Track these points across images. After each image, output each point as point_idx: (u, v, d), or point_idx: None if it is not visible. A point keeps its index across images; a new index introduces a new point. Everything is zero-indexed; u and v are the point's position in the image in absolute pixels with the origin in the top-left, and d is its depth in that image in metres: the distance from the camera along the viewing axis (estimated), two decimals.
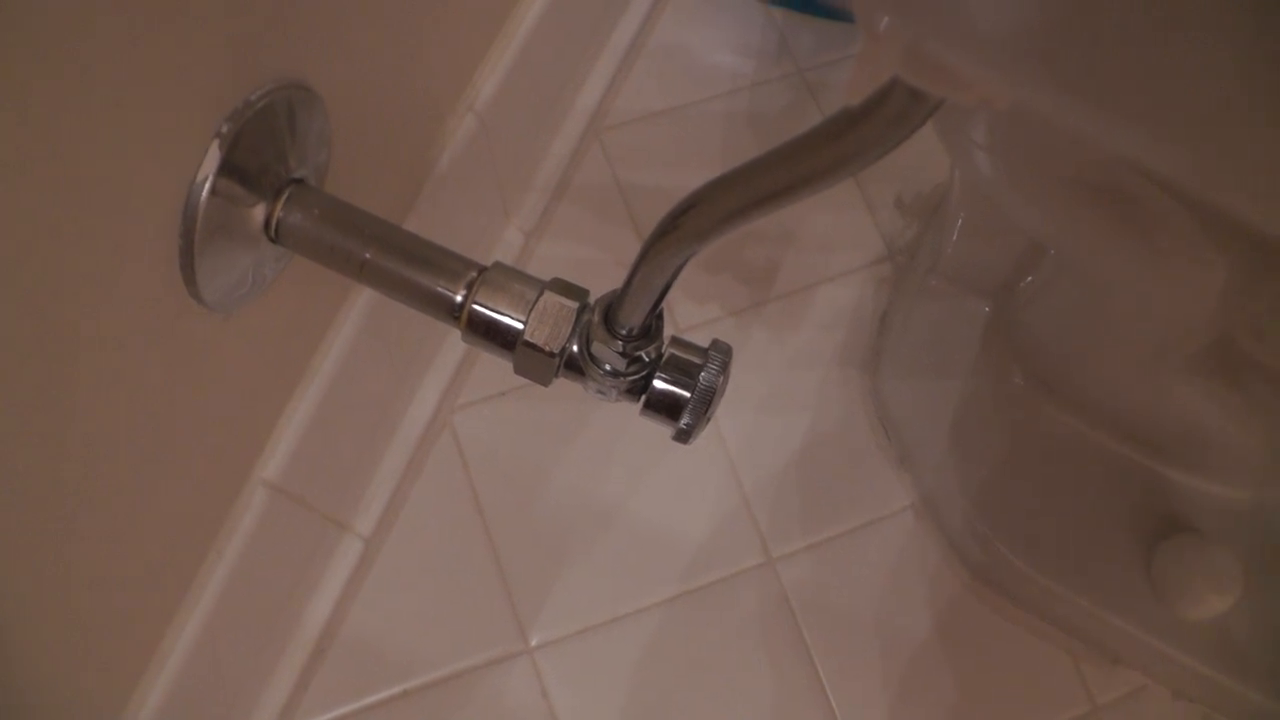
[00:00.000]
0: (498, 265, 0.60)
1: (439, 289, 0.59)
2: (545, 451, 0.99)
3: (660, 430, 0.59)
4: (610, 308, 0.55)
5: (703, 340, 0.59)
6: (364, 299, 0.82)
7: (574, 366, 0.58)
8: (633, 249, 1.01)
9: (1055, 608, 0.93)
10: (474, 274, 0.59)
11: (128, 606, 0.70)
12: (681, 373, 0.57)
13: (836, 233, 1.08)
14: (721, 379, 0.57)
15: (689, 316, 1.03)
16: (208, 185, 0.56)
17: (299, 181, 0.63)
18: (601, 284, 0.60)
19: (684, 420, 0.57)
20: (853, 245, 1.08)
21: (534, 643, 0.94)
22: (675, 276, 0.51)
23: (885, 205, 1.08)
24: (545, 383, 0.59)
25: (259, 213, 0.61)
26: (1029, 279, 0.92)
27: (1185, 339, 0.81)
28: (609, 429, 1.00)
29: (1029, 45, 0.27)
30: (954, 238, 0.94)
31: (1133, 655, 0.93)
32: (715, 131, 1.10)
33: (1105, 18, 0.26)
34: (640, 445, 0.99)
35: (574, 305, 0.57)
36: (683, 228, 0.47)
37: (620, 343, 0.55)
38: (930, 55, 0.29)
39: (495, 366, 0.70)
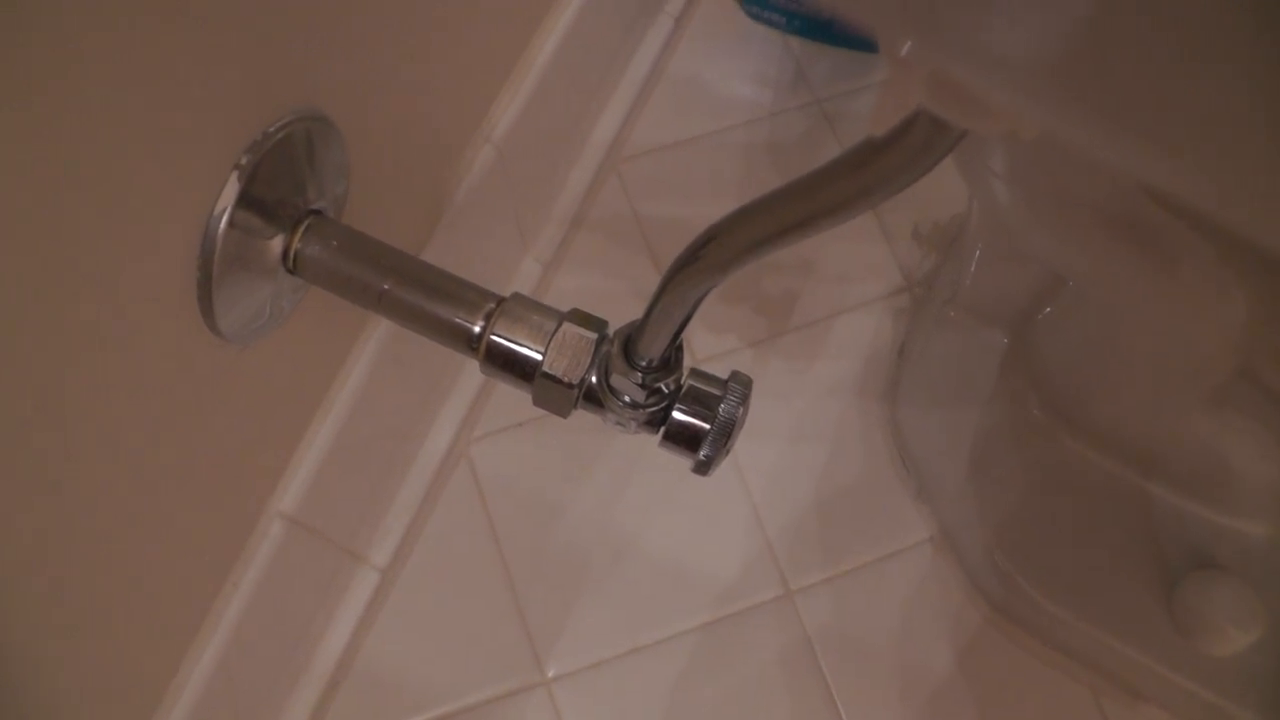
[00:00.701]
0: (516, 296, 0.59)
1: (457, 320, 0.59)
2: (563, 482, 0.99)
3: (678, 461, 0.59)
4: (630, 339, 0.55)
5: (720, 371, 0.59)
6: (381, 330, 0.82)
7: (593, 398, 0.58)
8: (650, 279, 1.02)
9: (1075, 641, 0.93)
10: (492, 305, 0.59)
11: (142, 639, 0.69)
12: (701, 404, 0.57)
13: (854, 263, 1.07)
14: (741, 411, 0.56)
15: (707, 347, 1.03)
16: (226, 217, 0.56)
17: (317, 213, 0.63)
18: (619, 315, 0.59)
19: (703, 452, 0.57)
20: (870, 276, 1.07)
21: (550, 674, 0.93)
22: (695, 308, 0.51)
23: (903, 235, 1.08)
24: (564, 414, 0.59)
25: (277, 244, 0.61)
26: (1047, 310, 0.92)
27: (1206, 371, 0.80)
28: (626, 460, 0.99)
29: (1051, 70, 0.27)
30: (972, 268, 0.94)
31: (1154, 690, 0.92)
32: (733, 162, 1.10)
33: (1125, 47, 0.25)
34: (657, 476, 0.99)
35: (593, 336, 0.57)
36: (704, 259, 0.47)
37: (640, 374, 0.55)
38: (955, 82, 0.28)
39: (512, 397, 0.70)
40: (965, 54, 0.28)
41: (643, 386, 0.55)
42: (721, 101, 1.13)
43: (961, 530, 0.96)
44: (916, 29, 0.28)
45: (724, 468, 0.67)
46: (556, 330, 0.58)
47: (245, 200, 0.57)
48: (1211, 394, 0.83)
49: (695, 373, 0.58)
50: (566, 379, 0.57)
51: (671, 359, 0.55)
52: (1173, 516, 0.91)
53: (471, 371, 0.96)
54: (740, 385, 0.57)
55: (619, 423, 0.58)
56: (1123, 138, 0.27)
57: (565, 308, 0.59)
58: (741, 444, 0.59)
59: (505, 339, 0.58)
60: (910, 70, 0.29)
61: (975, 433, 0.96)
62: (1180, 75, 0.25)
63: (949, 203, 1.06)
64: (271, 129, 0.58)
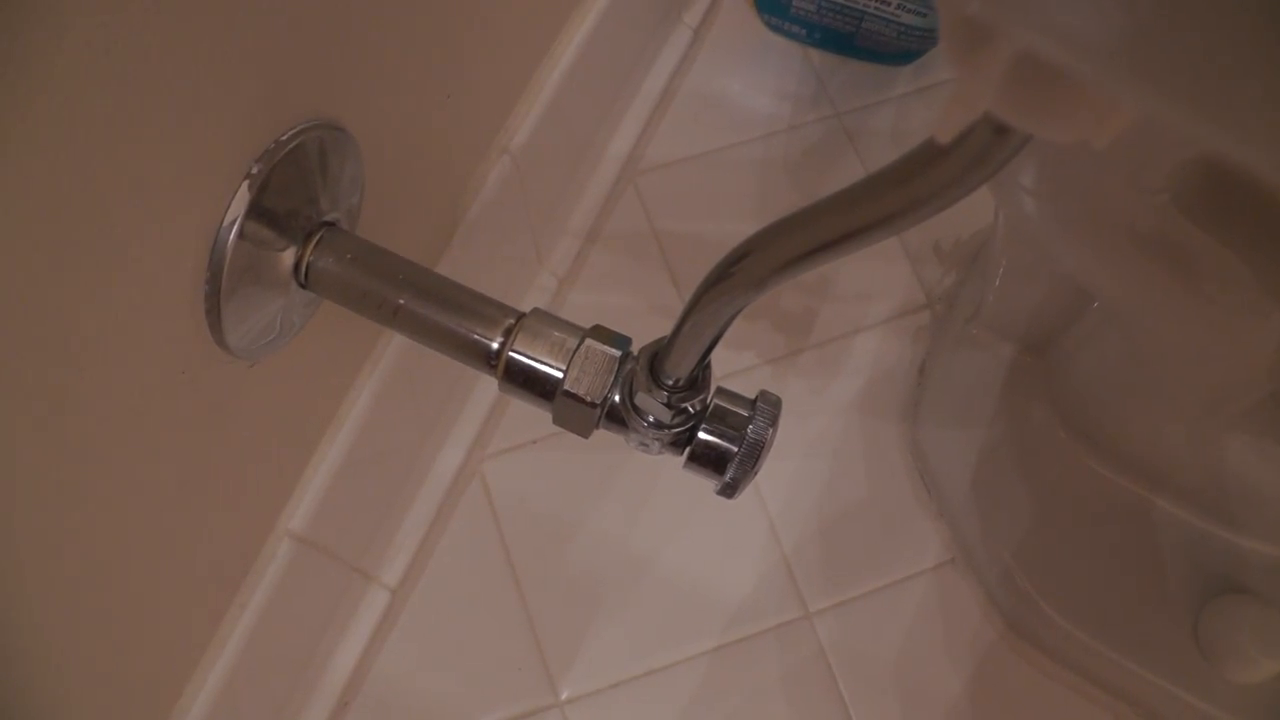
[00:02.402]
0: (536, 312, 0.58)
1: (475, 336, 0.57)
2: (577, 501, 0.97)
3: (696, 481, 0.57)
4: (656, 357, 0.53)
5: (739, 389, 0.57)
6: (394, 345, 0.81)
7: (615, 418, 0.56)
8: (667, 294, 1.01)
9: (1097, 667, 0.91)
10: (512, 321, 0.57)
11: (146, 661, 0.68)
12: (728, 425, 0.55)
13: (874, 280, 1.06)
14: (771, 432, 0.55)
15: (725, 363, 1.02)
16: (236, 228, 0.54)
17: (330, 225, 0.61)
18: (635, 329, 0.58)
19: (730, 474, 0.55)
20: (890, 293, 1.06)
21: (564, 696, 0.92)
22: (727, 326, 0.49)
23: (924, 252, 1.07)
24: (585, 435, 0.57)
25: (288, 257, 0.59)
26: (1072, 329, 0.90)
27: (1236, 394, 0.79)
28: (643, 478, 0.98)
29: (1122, 42, 0.25)
30: (996, 285, 0.92)
31: (1176, 717, 0.91)
32: (751, 175, 1.09)
33: (1207, 18, 0.24)
34: (675, 495, 0.97)
35: (617, 354, 0.55)
36: (738, 275, 0.45)
37: (666, 394, 0.53)
38: (1038, 65, 0.27)
39: (527, 413, 0.68)
40: (1032, 17, 0.26)
41: (669, 406, 0.54)
42: (740, 114, 1.12)
43: (981, 551, 0.95)
44: None
45: None
46: (579, 347, 0.56)
47: (256, 210, 0.55)
48: (1240, 417, 0.82)
49: (722, 391, 0.56)
50: (589, 398, 0.55)
51: (699, 378, 0.54)
52: (1199, 540, 0.90)
53: (484, 387, 0.95)
54: (769, 405, 0.55)
55: (642, 443, 0.56)
56: (1209, 116, 0.26)
57: (582, 323, 0.58)
58: None
59: (525, 356, 0.56)
60: (982, 72, 0.27)
61: (996, 453, 0.95)
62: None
63: (971, 219, 1.05)
64: (284, 137, 0.56)
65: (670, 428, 0.55)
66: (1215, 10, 0.24)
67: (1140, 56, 0.25)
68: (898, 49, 1.11)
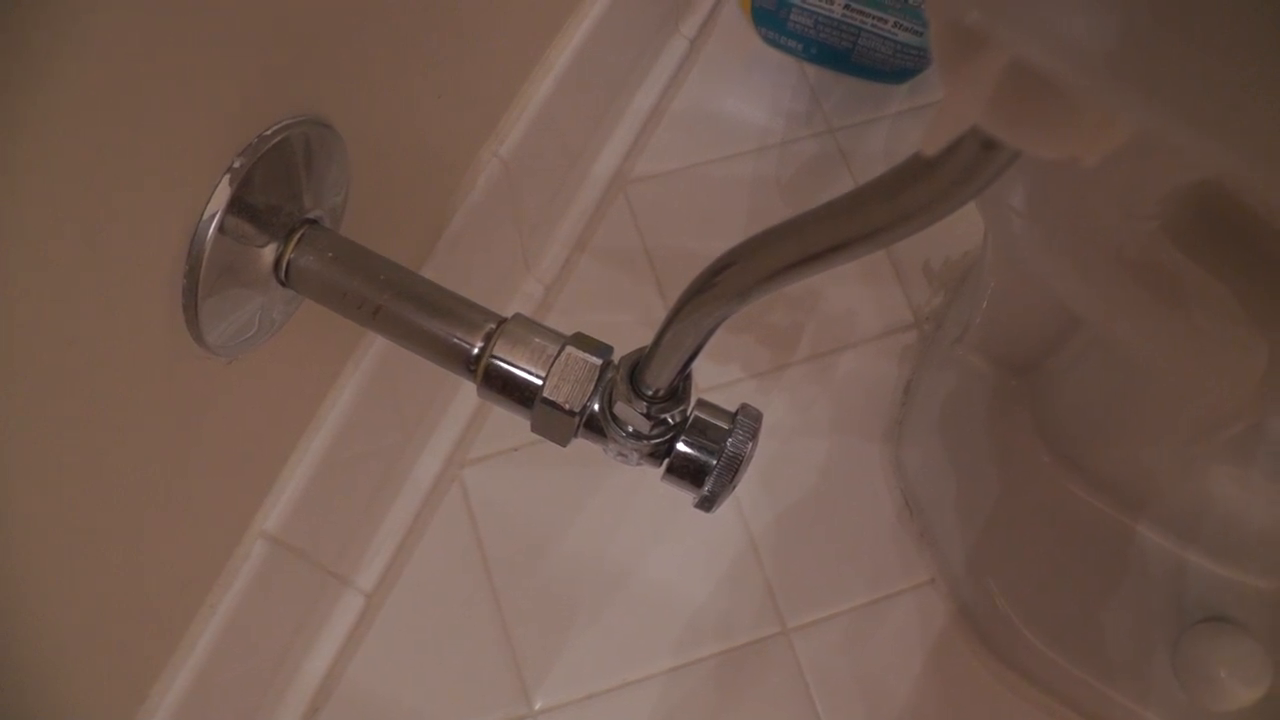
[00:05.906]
0: (518, 317, 0.57)
1: (455, 340, 0.57)
2: (557, 510, 0.97)
3: (676, 493, 0.57)
4: (636, 367, 0.53)
5: (722, 402, 0.56)
6: (375, 346, 0.80)
7: (594, 427, 0.56)
8: (655, 304, 1.00)
9: (1074, 691, 0.91)
10: (493, 326, 0.57)
11: (110, 664, 0.67)
12: (707, 438, 0.54)
13: (862, 298, 1.06)
14: (750, 446, 0.54)
15: (709, 377, 1.01)
16: (216, 222, 0.54)
17: (313, 222, 0.61)
18: (620, 339, 0.58)
19: (708, 487, 0.55)
20: (878, 311, 1.06)
21: (538, 706, 0.91)
22: (708, 337, 0.49)
23: (913, 271, 1.07)
24: (563, 443, 0.57)
25: (269, 254, 0.59)
26: (1059, 354, 0.90)
27: (1221, 423, 0.79)
28: (623, 489, 0.97)
29: (1123, 53, 0.25)
30: (983, 306, 0.92)
31: None
32: (742, 189, 1.09)
33: (1207, 30, 0.24)
34: (654, 507, 0.97)
35: (597, 362, 0.55)
36: (721, 285, 0.45)
37: (645, 404, 0.53)
38: (1029, 77, 0.26)
39: (508, 420, 0.68)
40: (1034, 28, 0.26)
41: (648, 417, 0.53)
42: (734, 128, 1.12)
43: (963, 573, 0.95)
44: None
45: None
46: (559, 354, 0.55)
47: (237, 205, 0.54)
48: (1224, 447, 0.82)
49: (702, 404, 0.56)
50: (568, 406, 0.54)
51: (679, 389, 0.53)
52: (1179, 567, 0.90)
53: (466, 393, 0.94)
54: (749, 419, 0.55)
55: (620, 454, 0.56)
56: (1206, 132, 0.25)
57: (568, 331, 0.57)
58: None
59: (505, 362, 0.56)
60: (972, 83, 0.27)
61: (981, 476, 0.95)
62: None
63: (960, 240, 1.05)
64: (268, 131, 0.56)
65: (649, 438, 0.54)
66: (1219, 22, 0.23)
67: (1140, 68, 0.25)
68: (894, 67, 1.11)
